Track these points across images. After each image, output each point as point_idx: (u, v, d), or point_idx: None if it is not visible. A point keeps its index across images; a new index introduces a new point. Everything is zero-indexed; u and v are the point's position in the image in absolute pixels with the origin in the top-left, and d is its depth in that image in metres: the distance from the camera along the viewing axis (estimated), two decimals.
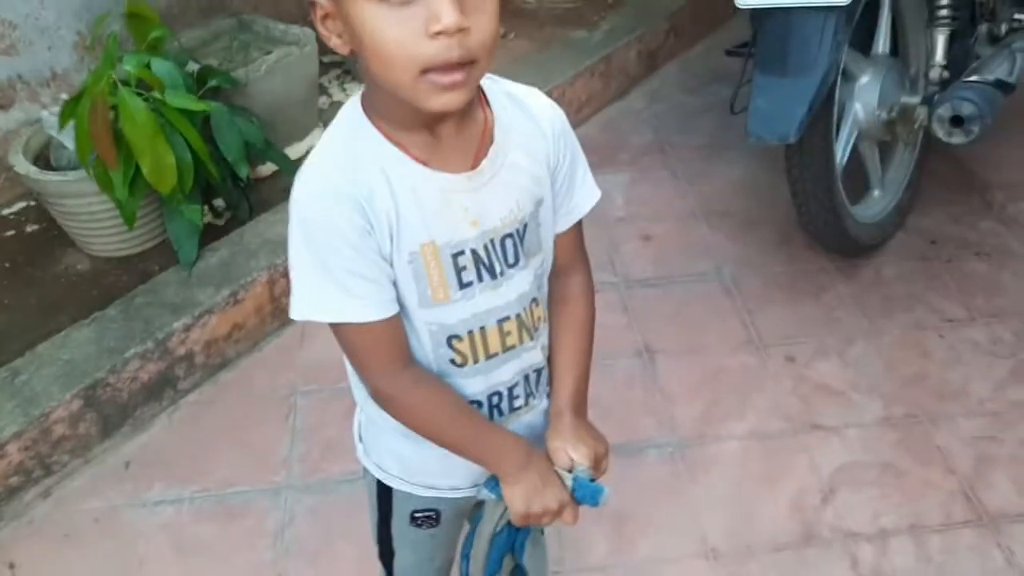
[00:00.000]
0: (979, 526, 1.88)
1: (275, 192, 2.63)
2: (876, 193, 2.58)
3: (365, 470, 1.24)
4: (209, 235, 2.39)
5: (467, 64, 0.86)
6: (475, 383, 1.08)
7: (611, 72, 3.30)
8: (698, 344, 2.33)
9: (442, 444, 1.07)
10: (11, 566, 1.87)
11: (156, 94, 2.14)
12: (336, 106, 3.08)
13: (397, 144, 0.95)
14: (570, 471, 1.10)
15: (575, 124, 3.63)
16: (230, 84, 2.47)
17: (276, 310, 2.38)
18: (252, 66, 2.59)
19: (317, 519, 1.95)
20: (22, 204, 2.65)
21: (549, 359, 1.15)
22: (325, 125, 3.04)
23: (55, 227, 2.49)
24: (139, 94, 2.09)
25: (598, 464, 1.12)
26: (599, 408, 2.08)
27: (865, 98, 2.34)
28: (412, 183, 0.95)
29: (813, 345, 2.31)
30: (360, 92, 1.00)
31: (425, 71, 0.85)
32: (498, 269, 1.02)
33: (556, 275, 1.15)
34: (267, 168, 2.71)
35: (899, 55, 2.49)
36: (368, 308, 0.97)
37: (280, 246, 2.38)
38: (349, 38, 0.89)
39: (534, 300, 1.08)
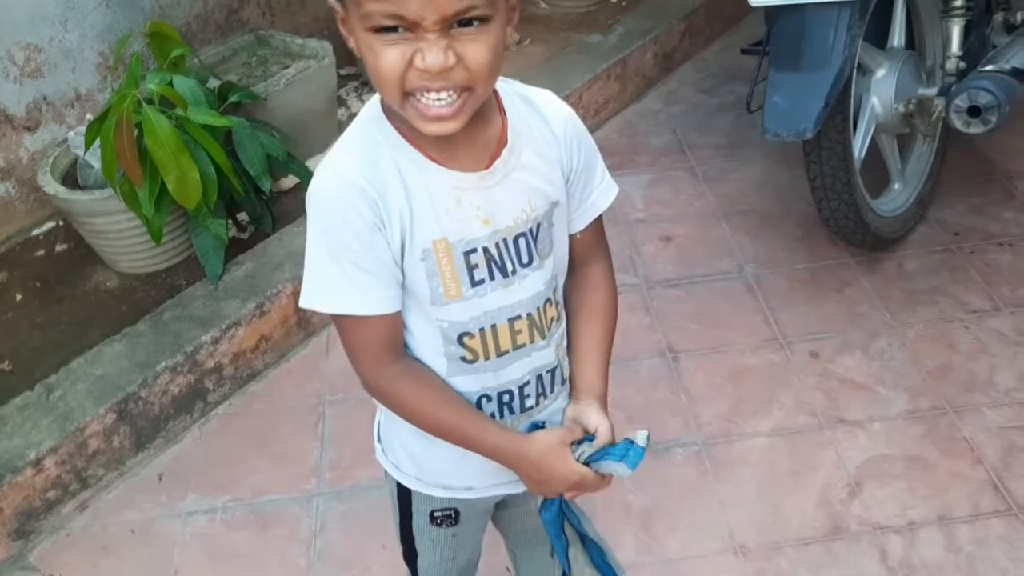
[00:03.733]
0: (1008, 516, 1.87)
1: (297, 204, 2.66)
2: (896, 186, 2.58)
3: (386, 472, 1.26)
4: (234, 248, 2.43)
5: (464, 90, 0.90)
6: (485, 380, 1.09)
7: (627, 75, 3.32)
8: (721, 343, 2.34)
9: (439, 436, 1.09)
10: None
11: (179, 111, 2.18)
12: (355, 118, 3.11)
13: (413, 143, 0.98)
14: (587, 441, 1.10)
15: (593, 127, 3.62)
16: (251, 99, 2.51)
17: (301, 321, 2.41)
18: (271, 80, 2.63)
19: (348, 525, 1.97)
20: (51, 224, 2.70)
21: (569, 346, 1.16)
22: None
23: (84, 246, 2.54)
24: (162, 111, 2.13)
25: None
26: (625, 409, 2.14)
27: (882, 92, 2.34)
28: (425, 181, 0.98)
29: (837, 340, 2.31)
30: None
31: (408, 94, 0.90)
32: (510, 268, 1.04)
33: (576, 267, 1.16)
34: (289, 181, 2.74)
35: (915, 47, 2.49)
36: (367, 303, 1.00)
37: (304, 258, 2.41)
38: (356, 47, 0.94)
39: (547, 300, 1.09)
